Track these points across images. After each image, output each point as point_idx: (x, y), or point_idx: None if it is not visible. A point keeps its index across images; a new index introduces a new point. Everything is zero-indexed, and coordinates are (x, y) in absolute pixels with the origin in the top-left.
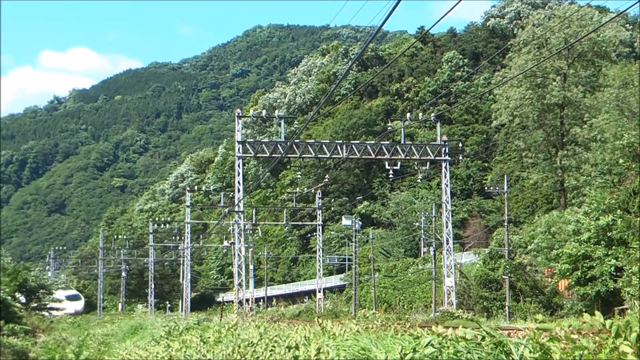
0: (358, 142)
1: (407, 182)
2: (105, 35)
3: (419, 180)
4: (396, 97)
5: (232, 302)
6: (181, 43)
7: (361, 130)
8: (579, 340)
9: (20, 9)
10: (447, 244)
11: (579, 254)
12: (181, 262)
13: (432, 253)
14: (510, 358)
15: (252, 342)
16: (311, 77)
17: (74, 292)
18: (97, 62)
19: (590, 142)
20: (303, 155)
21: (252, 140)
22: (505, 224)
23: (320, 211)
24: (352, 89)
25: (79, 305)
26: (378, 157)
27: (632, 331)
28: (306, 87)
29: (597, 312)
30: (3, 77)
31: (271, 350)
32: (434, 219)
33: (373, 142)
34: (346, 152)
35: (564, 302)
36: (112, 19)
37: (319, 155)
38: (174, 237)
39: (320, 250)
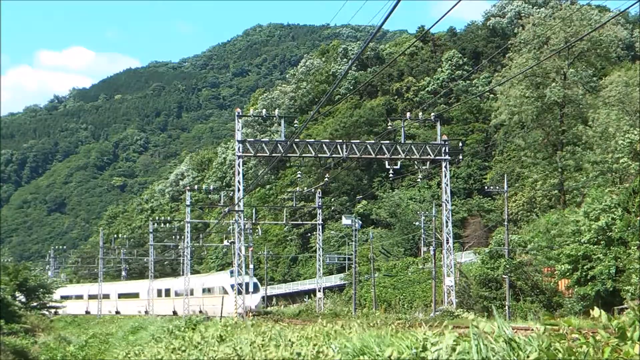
0: (358, 141)
1: (407, 181)
2: (102, 34)
3: (419, 180)
4: (396, 96)
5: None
6: (181, 42)
7: (361, 130)
8: (580, 340)
9: (16, 8)
10: (447, 243)
11: (578, 254)
12: (181, 262)
13: (432, 252)
14: (517, 356)
15: (252, 341)
16: (309, 77)
17: (249, 279)
18: (95, 61)
19: (593, 139)
20: (303, 155)
21: (252, 139)
22: (505, 223)
23: (320, 210)
24: (352, 88)
25: (255, 299)
26: (378, 156)
27: (635, 330)
28: (305, 89)
29: (602, 311)
30: (2, 76)
31: (270, 352)
32: (434, 218)
33: (373, 141)
34: (346, 152)
35: (564, 302)
36: (110, 18)
37: (319, 155)
38: (174, 237)
39: (320, 249)
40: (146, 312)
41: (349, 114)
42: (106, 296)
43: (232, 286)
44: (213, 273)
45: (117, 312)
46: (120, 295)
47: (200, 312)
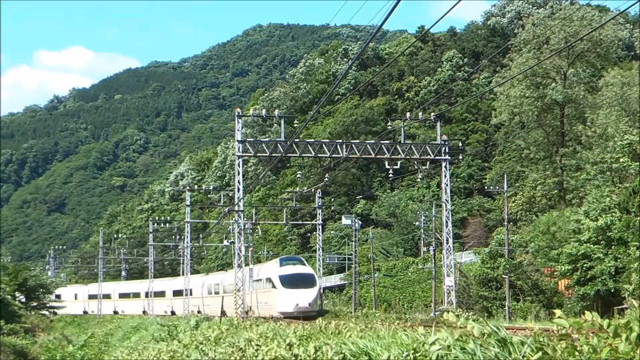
0: (358, 141)
1: (407, 181)
2: (102, 34)
3: (418, 180)
4: (396, 96)
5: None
6: (181, 42)
7: (361, 130)
8: (579, 340)
9: (15, 8)
10: (447, 243)
11: (578, 254)
12: (181, 262)
13: (432, 252)
14: (513, 357)
15: (251, 341)
16: (309, 77)
17: (303, 269)
18: (95, 61)
19: (592, 138)
20: (303, 155)
21: (252, 139)
22: (505, 223)
23: (320, 210)
24: (352, 88)
25: (310, 295)
26: (378, 156)
27: (632, 331)
28: (305, 89)
29: (593, 312)
30: (1, 76)
31: (270, 350)
32: (433, 218)
33: (373, 141)
34: (346, 152)
35: (564, 302)
36: (109, 18)
37: (319, 155)
38: (173, 237)
39: (320, 249)
40: (199, 311)
41: (349, 114)
42: (160, 294)
43: (281, 278)
44: (265, 262)
45: (173, 313)
46: (175, 293)
47: (247, 311)
